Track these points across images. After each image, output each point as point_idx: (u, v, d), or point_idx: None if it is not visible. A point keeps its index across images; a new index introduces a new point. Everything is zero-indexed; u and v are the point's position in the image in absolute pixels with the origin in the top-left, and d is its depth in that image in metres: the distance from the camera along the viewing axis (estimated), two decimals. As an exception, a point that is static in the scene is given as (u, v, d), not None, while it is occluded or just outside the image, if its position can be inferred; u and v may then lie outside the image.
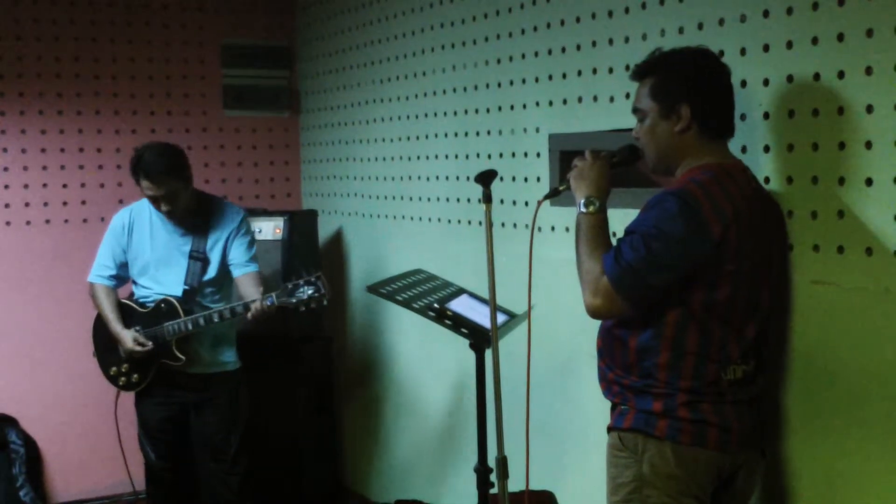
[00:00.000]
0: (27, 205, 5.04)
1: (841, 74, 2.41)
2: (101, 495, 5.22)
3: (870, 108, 2.35)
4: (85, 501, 5.20)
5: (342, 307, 5.22)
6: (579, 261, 2.44)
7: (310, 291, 3.54)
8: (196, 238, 3.92)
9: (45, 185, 5.06)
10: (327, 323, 5.15)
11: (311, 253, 4.92)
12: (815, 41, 2.48)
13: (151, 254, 3.95)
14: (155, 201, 3.83)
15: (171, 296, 3.88)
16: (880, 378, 2.35)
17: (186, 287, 3.89)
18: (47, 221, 5.09)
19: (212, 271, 3.92)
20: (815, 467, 2.55)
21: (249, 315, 3.65)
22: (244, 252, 3.94)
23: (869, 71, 2.35)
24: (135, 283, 4.04)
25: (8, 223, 5.01)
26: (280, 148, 5.60)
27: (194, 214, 3.94)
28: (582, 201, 2.47)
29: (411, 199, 4.48)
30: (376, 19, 4.70)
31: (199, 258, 3.90)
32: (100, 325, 4.05)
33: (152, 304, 3.91)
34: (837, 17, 2.42)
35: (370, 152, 4.84)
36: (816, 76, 2.48)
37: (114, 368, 4.00)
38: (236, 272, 3.93)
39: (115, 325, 3.91)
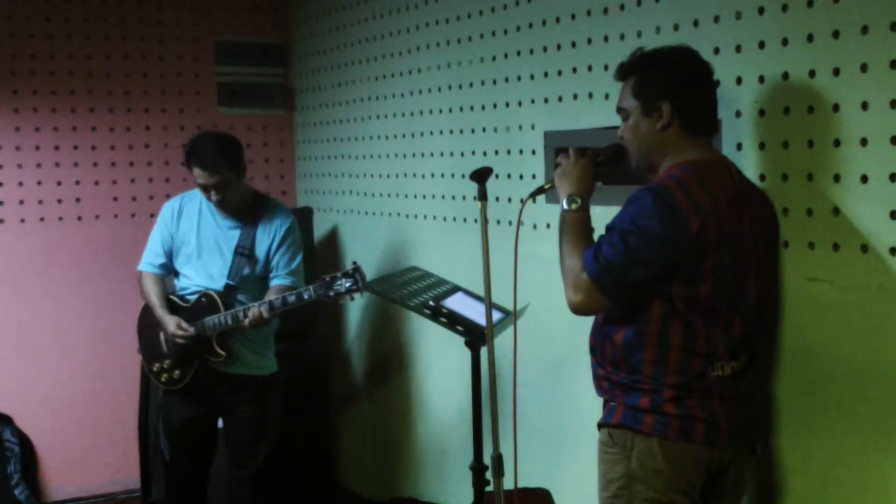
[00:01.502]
0: (22, 202, 5.03)
1: (836, 71, 2.41)
2: (95, 493, 5.22)
3: (865, 105, 2.35)
4: (80, 500, 5.19)
5: (337, 305, 5.21)
6: (562, 258, 2.47)
7: (348, 284, 3.47)
8: (244, 234, 3.87)
9: (39, 183, 5.05)
10: (323, 321, 5.14)
11: (305, 251, 4.90)
12: (810, 38, 2.48)
13: (197, 242, 3.90)
14: (206, 190, 3.78)
15: (211, 290, 3.82)
16: (875, 375, 2.36)
17: (230, 282, 3.83)
18: (42, 219, 5.07)
19: (257, 269, 3.86)
20: (809, 464, 2.56)
21: (289, 304, 3.61)
22: (285, 264, 3.89)
23: (864, 68, 2.35)
24: (177, 274, 3.97)
25: (2, 221, 5.00)
26: (275, 146, 5.60)
27: (246, 211, 3.90)
28: (564, 199, 2.51)
29: (406, 196, 4.48)
30: (370, 17, 4.70)
31: (244, 254, 3.85)
32: (144, 321, 3.99)
33: (193, 298, 3.86)
34: (833, 14, 2.42)
35: (365, 150, 4.83)
36: (812, 73, 2.48)
37: (157, 365, 3.93)
38: (272, 281, 3.88)
39: (160, 310, 3.85)
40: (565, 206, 2.50)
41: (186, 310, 3.86)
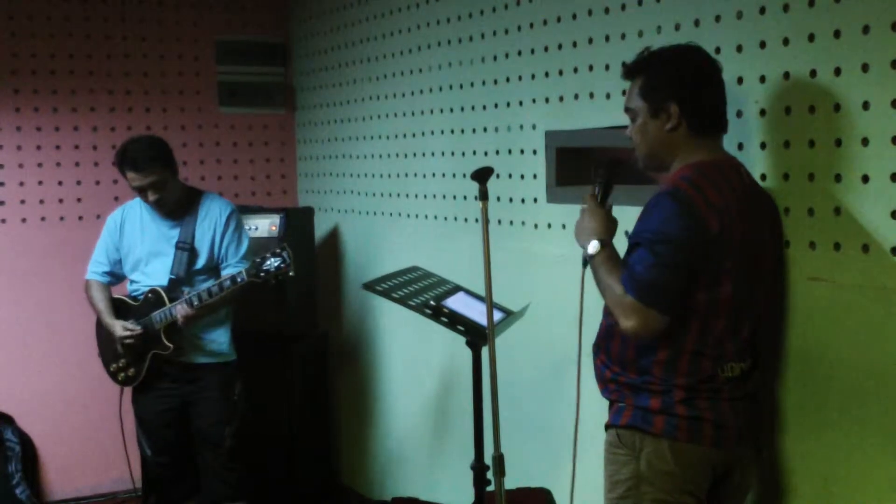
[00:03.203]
0: (23, 202, 5.03)
1: (837, 71, 2.41)
2: (96, 493, 5.22)
3: (866, 105, 2.35)
4: (81, 499, 5.20)
5: (338, 304, 5.22)
6: (604, 295, 2.42)
7: (276, 263, 3.63)
8: (184, 229, 3.99)
9: (40, 183, 5.05)
10: (322, 319, 5.14)
11: (306, 250, 4.92)
12: (811, 38, 2.47)
13: (142, 247, 4.03)
14: (142, 192, 3.90)
15: (157, 286, 3.95)
16: (877, 375, 2.36)
17: (173, 276, 3.95)
18: (43, 219, 5.08)
19: (200, 262, 3.98)
20: (811, 464, 2.55)
21: (224, 289, 3.75)
22: (234, 251, 4.02)
23: (865, 68, 2.34)
24: (129, 280, 4.10)
25: (3, 220, 5.00)
26: (276, 145, 5.59)
27: (184, 207, 4.01)
28: (587, 248, 2.48)
29: (407, 196, 4.48)
30: (371, 16, 4.70)
31: (185, 248, 3.96)
32: (100, 326, 4.11)
33: (142, 297, 3.99)
34: (834, 14, 2.41)
35: (366, 149, 4.83)
36: (813, 73, 2.48)
37: (113, 365, 4.08)
38: (224, 271, 3.98)
39: (106, 317, 4.01)
40: (591, 252, 2.46)
41: (136, 308, 4.01)
